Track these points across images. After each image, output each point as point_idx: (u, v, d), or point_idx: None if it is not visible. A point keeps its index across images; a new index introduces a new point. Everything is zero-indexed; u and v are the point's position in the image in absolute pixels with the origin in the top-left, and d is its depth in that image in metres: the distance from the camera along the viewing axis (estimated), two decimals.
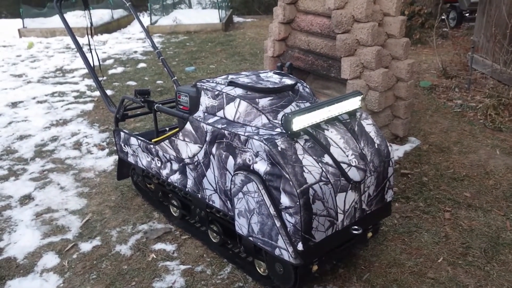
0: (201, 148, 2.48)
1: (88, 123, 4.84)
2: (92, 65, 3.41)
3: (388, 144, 2.45)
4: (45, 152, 4.22)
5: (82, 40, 8.53)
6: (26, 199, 3.48)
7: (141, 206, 3.30)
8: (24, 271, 2.71)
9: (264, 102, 2.35)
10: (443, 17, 8.14)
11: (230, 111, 2.38)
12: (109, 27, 9.95)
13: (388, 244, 2.79)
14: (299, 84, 2.56)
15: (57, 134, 4.60)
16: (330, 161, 2.17)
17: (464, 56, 6.44)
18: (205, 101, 2.51)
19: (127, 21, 11.13)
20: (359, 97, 2.40)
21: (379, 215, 2.50)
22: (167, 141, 2.72)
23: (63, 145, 4.35)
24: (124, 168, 3.43)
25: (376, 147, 2.38)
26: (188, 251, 2.80)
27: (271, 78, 2.58)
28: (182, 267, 2.66)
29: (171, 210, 3.11)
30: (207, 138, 2.42)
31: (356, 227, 2.27)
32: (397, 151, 3.95)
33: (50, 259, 2.79)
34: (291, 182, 2.01)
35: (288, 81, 2.53)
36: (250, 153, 2.17)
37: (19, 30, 9.57)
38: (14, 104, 5.55)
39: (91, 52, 3.53)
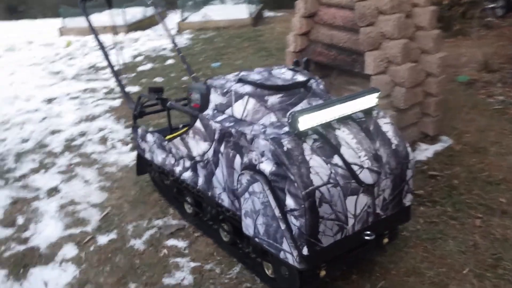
0: (211, 146, 2.44)
1: (115, 119, 4.92)
2: (117, 63, 3.47)
3: (407, 145, 2.31)
4: (73, 147, 4.33)
5: (116, 38, 8.89)
6: (53, 191, 3.59)
7: (158, 201, 3.31)
8: (45, 260, 2.81)
9: (273, 99, 2.26)
10: (491, 5, 7.68)
11: (238, 108, 2.32)
12: (141, 25, 10.08)
13: (408, 251, 2.64)
14: (312, 81, 2.46)
15: (86, 129, 4.71)
16: (340, 163, 2.06)
17: (509, 47, 6.04)
18: (215, 98, 2.46)
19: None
20: (376, 94, 2.27)
21: (396, 220, 2.36)
22: (179, 138, 2.70)
23: (90, 140, 4.44)
24: (142, 164, 3.44)
25: (394, 147, 2.25)
26: (199, 249, 2.78)
27: (283, 74, 2.49)
28: (192, 264, 2.64)
29: (185, 207, 3.09)
30: (216, 137, 2.37)
31: (368, 232, 2.15)
32: (426, 151, 3.75)
33: (70, 250, 2.88)
34: (296, 184, 1.93)
35: (300, 77, 2.43)
36: (256, 153, 2.11)
37: (59, 29, 9.89)
38: (49, 100, 5.74)
39: (116, 50, 3.60)
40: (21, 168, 3.94)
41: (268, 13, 10.59)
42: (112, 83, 6.26)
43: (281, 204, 2.01)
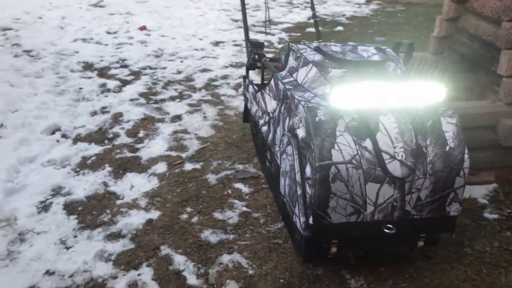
0: (278, 105, 2.59)
1: (258, 71, 5.29)
2: (265, 19, 3.80)
3: (466, 151, 2.09)
4: (211, 86, 4.89)
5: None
6: (176, 118, 4.18)
7: (250, 149, 3.61)
8: (140, 170, 3.37)
9: (335, 72, 2.28)
10: None
11: (301, 74, 2.40)
12: None
13: (456, 267, 2.42)
14: (390, 63, 2.35)
15: (229, 74, 5.22)
16: (370, 147, 2.02)
17: None
18: (291, 61, 2.57)
19: None
20: (443, 90, 2.09)
21: (434, 226, 2.20)
22: (260, 93, 2.91)
23: (227, 84, 4.94)
24: (247, 113, 3.76)
25: (447, 150, 2.07)
26: (258, 198, 3.01)
27: (364, 52, 2.44)
28: (244, 209, 2.90)
29: (266, 160, 3.32)
30: (281, 97, 2.51)
31: (389, 226, 2.08)
32: None
33: (161, 167, 3.38)
34: (313, 154, 1.99)
35: (377, 58, 2.36)
36: (298, 118, 2.20)
37: None
38: (216, 43, 6.45)
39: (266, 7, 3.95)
40: (164, 94, 4.67)
41: None
42: (275, 38, 6.67)
43: (303, 170, 2.10)
